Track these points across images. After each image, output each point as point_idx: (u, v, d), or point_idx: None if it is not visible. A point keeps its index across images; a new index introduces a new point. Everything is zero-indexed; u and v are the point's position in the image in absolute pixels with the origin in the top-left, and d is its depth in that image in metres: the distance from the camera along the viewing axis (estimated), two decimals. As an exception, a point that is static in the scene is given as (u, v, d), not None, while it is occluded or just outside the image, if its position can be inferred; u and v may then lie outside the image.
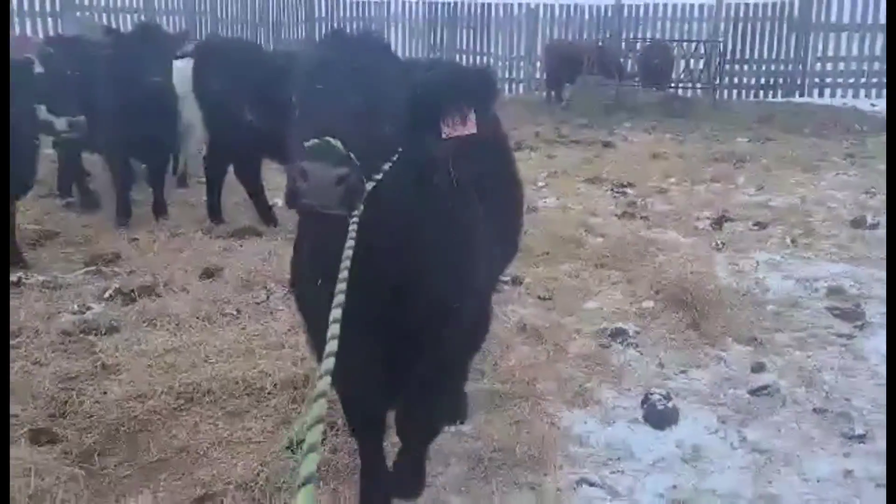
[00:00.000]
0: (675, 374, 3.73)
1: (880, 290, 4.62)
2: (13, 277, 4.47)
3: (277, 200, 5.94)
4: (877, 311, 4.35)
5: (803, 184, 7.63)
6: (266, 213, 5.98)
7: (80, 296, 4.42)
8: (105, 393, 3.33)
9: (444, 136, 1.96)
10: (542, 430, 3.17)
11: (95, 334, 3.89)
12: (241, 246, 5.40)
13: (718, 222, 6.15)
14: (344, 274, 1.60)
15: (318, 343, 2.16)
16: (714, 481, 2.90)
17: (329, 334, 1.43)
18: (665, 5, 16.42)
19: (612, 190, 7.28)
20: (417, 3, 18.16)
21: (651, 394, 3.45)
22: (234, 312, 4.22)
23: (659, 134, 10.81)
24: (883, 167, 8.18)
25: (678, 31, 16.09)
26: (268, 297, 4.41)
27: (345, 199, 1.65)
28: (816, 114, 12.53)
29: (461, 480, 2.87)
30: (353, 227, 1.72)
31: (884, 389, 3.47)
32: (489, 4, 17.71)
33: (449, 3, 17.91)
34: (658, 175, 7.96)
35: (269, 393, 3.36)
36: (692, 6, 16.19)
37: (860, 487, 2.84)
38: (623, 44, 15.87)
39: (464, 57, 16.90)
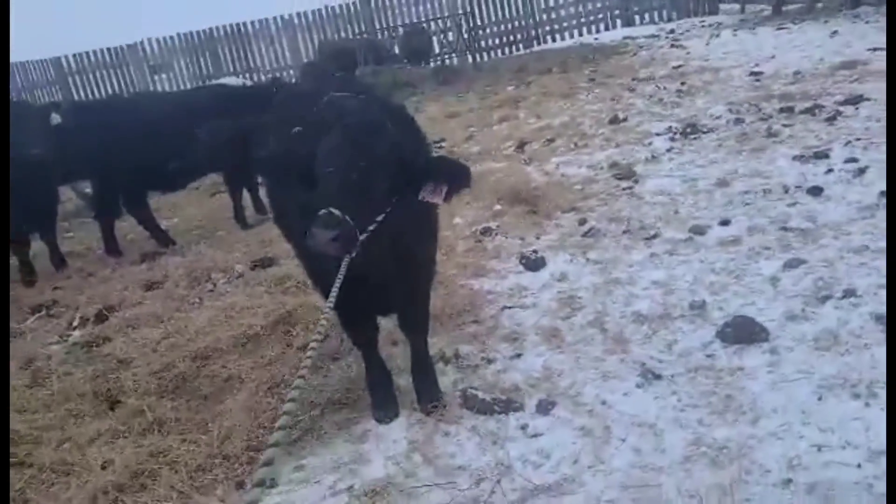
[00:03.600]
0: (532, 241, 5.33)
1: (642, 155, 6.63)
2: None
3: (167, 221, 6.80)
4: (642, 170, 6.29)
5: (567, 107, 9.69)
6: (161, 237, 6.79)
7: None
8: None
9: (420, 198, 2.67)
10: (469, 293, 4.62)
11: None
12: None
13: (520, 147, 7.94)
14: (334, 292, 2.35)
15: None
16: (577, 283, 4.50)
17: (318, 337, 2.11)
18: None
19: (433, 145, 8.84)
20: (172, 36, 18.58)
21: (523, 254, 5.03)
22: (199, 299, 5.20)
23: (445, 99, 12.54)
24: (620, 81, 10.56)
25: (429, 12, 18.05)
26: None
27: (340, 249, 2.37)
28: (557, 55, 15.07)
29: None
30: (344, 264, 2.46)
31: (659, 211, 5.34)
32: (244, 23, 18.54)
33: (205, 30, 18.52)
34: (459, 128, 9.65)
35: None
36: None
37: (661, 261, 4.58)
38: (384, 32, 17.64)
39: (238, 77, 17.60)
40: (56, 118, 6.14)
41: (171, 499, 3.04)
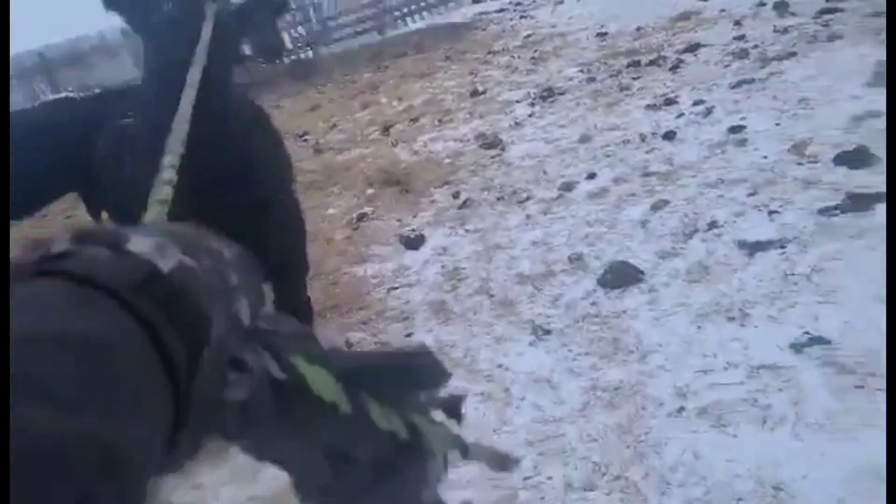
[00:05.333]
0: (409, 220, 5.28)
1: (506, 124, 6.72)
2: None
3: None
4: (507, 138, 6.38)
5: (426, 87, 9.69)
6: None
7: None
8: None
9: None
10: (353, 280, 4.51)
11: None
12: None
13: (385, 130, 7.85)
14: None
15: None
16: (458, 254, 4.48)
17: None
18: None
19: (295, 141, 8.58)
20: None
21: (402, 234, 4.97)
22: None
23: (305, 93, 12.24)
24: (476, 56, 10.67)
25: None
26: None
27: None
28: (410, 38, 15.06)
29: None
30: None
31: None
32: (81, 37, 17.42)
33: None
34: (321, 120, 9.44)
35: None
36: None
37: (536, 222, 4.65)
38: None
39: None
40: None
41: None
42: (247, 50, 11.13)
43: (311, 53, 16.49)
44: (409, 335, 3.72)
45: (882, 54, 5.10)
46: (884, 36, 5.53)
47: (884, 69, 4.71)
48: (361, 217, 5.52)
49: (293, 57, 16.38)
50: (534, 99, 7.31)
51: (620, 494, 2.33)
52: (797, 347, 2.73)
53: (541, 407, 2.86)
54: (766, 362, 2.71)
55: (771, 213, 3.74)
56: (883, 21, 6.00)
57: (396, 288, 4.30)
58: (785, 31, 6.97)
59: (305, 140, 8.50)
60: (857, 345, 2.64)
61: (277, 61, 16.04)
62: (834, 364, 2.59)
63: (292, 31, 16.99)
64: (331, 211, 5.87)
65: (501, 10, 15.76)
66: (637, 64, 7.41)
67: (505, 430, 2.81)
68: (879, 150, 3.93)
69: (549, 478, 2.47)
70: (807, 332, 2.79)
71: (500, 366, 3.23)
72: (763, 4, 8.25)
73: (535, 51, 9.70)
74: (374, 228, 5.30)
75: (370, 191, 5.97)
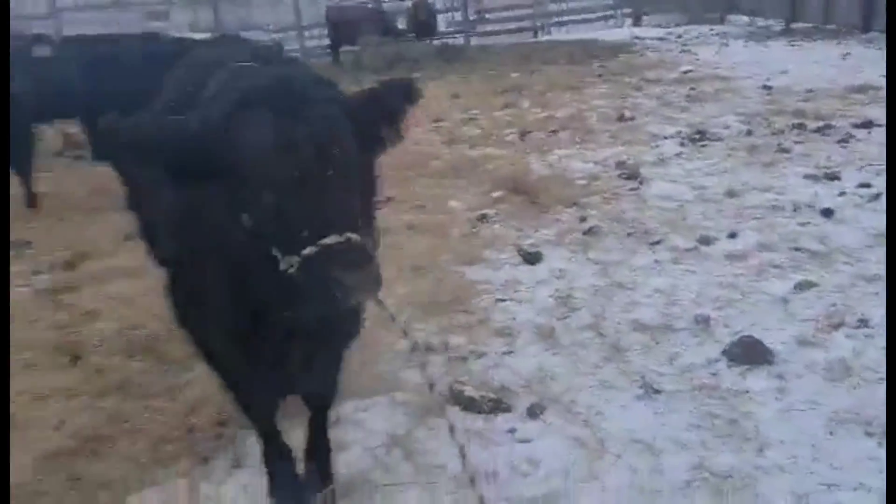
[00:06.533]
0: (530, 233, 5.12)
1: (650, 157, 6.44)
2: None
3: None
4: (649, 172, 6.09)
5: (573, 100, 9.47)
6: None
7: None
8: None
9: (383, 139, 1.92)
10: (461, 281, 4.40)
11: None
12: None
13: (522, 135, 7.70)
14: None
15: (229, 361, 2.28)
16: (575, 282, 4.30)
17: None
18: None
19: (430, 125, 8.57)
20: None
21: (520, 246, 4.82)
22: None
23: (448, 78, 12.24)
24: (628, 80, 10.35)
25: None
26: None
27: (379, 285, 1.66)
28: (563, 47, 14.80)
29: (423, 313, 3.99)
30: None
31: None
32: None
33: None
34: (460, 110, 9.40)
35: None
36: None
37: (664, 269, 4.39)
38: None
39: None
40: (40, 51, 5.82)
41: (127, 469, 2.80)
42: (400, 24, 11.36)
43: (461, 41, 16.51)
44: (508, 353, 3.58)
45: None
46: None
47: None
48: (482, 218, 5.41)
49: (444, 40, 16.49)
50: (684, 139, 6.97)
51: None
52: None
53: (637, 471, 2.66)
54: (905, 496, 2.41)
55: (934, 327, 3.36)
56: None
57: (504, 300, 4.16)
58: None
59: (441, 127, 8.46)
60: None
61: (428, 40, 16.23)
62: None
63: (448, 14, 17.12)
64: (453, 203, 5.79)
65: (661, 39, 15.25)
66: (802, 127, 6.94)
67: (593, 485, 2.62)
68: None
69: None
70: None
71: (598, 413, 3.03)
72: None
73: (693, 88, 9.28)
74: (492, 233, 5.18)
75: (496, 193, 5.85)
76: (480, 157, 7.03)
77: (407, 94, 1.94)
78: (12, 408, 3.18)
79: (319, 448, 2.64)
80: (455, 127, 8.44)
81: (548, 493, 2.58)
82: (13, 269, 4.94)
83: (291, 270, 1.62)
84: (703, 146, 6.71)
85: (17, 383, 3.37)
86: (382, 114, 1.88)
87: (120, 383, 3.38)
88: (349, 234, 1.59)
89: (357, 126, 1.79)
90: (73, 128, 8.03)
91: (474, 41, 16.62)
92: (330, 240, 1.57)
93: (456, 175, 6.49)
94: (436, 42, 16.28)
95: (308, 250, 1.58)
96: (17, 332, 3.88)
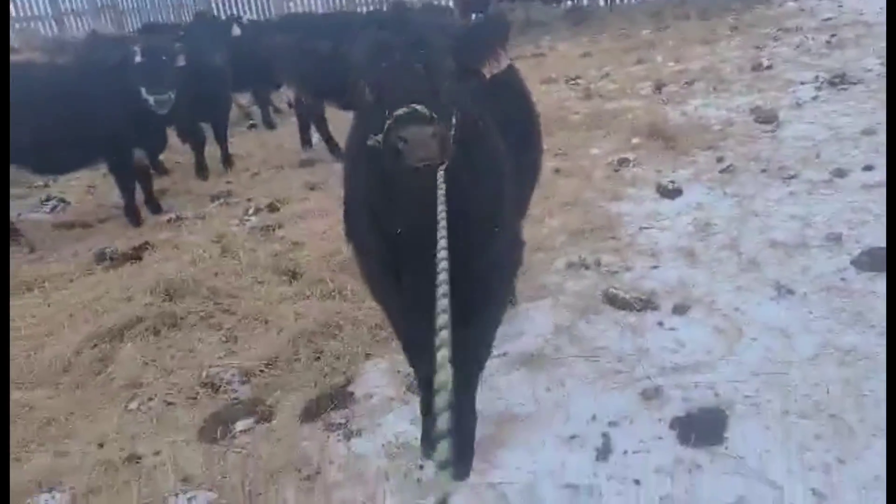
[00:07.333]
0: (669, 173, 5.59)
1: (786, 102, 6.67)
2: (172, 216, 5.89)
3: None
4: (785, 115, 6.35)
5: (706, 53, 9.64)
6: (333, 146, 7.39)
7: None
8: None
9: (487, 76, 2.18)
10: (607, 213, 4.98)
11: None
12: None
13: (657, 88, 8.06)
14: (442, 223, 1.65)
15: (383, 289, 2.53)
16: (713, 212, 4.76)
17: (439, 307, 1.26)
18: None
19: (566, 83, 9.07)
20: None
21: (660, 184, 5.31)
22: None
23: (578, 39, 12.61)
24: (765, 31, 10.34)
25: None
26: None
27: (442, 151, 1.84)
28: (695, 2, 14.68)
29: (573, 238, 4.61)
30: (440, 175, 1.87)
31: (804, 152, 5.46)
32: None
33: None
34: (594, 68, 9.81)
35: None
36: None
37: (799, 199, 4.76)
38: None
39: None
40: (237, 30, 6.83)
41: (355, 346, 3.63)
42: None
43: (587, 2, 16.67)
44: (654, 267, 4.14)
45: None
46: None
47: None
48: (623, 162, 5.92)
49: (571, 2, 16.72)
50: (822, 83, 7.12)
51: (833, 431, 2.63)
52: None
53: (771, 349, 3.18)
54: None
55: None
56: None
57: (648, 228, 4.70)
58: None
59: (577, 84, 8.94)
60: None
61: (556, 4, 16.53)
62: None
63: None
64: (594, 151, 6.33)
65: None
66: (949, 67, 6.88)
67: (731, 359, 3.17)
68: None
69: (769, 400, 2.83)
70: None
71: (736, 309, 3.55)
72: None
73: (833, 35, 9.21)
74: (633, 174, 5.68)
75: (635, 140, 6.33)
76: (617, 109, 7.48)
77: (499, 26, 2.26)
78: (259, 306, 4.14)
79: (464, 423, 2.64)
80: (590, 83, 8.90)
81: (693, 363, 3.16)
82: (224, 213, 6.01)
83: (375, 143, 1.92)
84: (842, 89, 6.84)
85: (253, 293, 4.33)
86: (478, 39, 2.20)
87: (337, 289, 4.23)
88: (415, 105, 1.81)
89: (455, 43, 2.12)
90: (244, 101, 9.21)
91: (601, 2, 16.74)
92: (399, 111, 1.81)
93: (595, 126, 6.99)
94: (564, 6, 16.56)
95: (386, 123, 1.85)
96: (243, 258, 4.87)
